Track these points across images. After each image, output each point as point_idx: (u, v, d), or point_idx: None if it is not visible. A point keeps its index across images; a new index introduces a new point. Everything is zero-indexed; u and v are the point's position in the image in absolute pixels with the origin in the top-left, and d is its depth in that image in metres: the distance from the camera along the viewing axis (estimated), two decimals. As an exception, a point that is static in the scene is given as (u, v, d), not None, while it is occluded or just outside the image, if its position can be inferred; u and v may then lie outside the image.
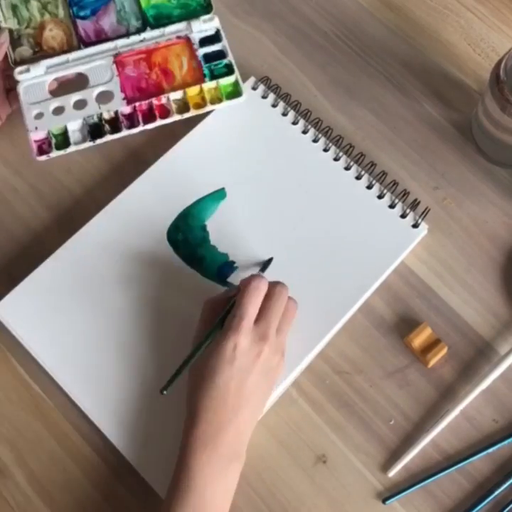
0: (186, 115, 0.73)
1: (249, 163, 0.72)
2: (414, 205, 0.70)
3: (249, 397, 0.58)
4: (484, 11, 0.81)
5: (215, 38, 0.75)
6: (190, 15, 0.76)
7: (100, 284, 0.68)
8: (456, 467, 0.62)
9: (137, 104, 0.72)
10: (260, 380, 0.59)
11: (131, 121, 0.72)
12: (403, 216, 0.69)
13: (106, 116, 0.72)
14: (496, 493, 0.61)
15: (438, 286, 0.68)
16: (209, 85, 0.74)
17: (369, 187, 0.71)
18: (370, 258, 0.68)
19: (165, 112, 0.73)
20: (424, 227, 0.69)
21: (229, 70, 0.74)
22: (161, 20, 0.76)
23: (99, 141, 0.71)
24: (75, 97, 0.73)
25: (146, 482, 0.61)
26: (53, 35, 0.76)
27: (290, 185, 0.71)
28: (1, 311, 0.67)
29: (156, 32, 0.75)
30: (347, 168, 0.71)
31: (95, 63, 0.74)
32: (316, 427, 0.64)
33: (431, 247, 0.70)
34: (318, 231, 0.69)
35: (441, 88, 0.77)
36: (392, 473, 0.62)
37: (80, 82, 0.74)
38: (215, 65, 0.74)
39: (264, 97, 0.75)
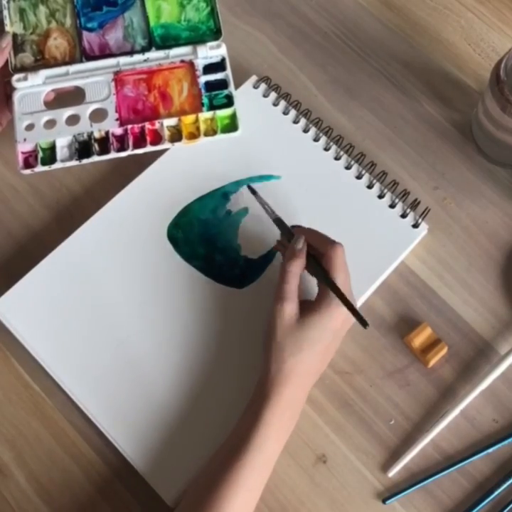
0: (177, 145, 0.71)
1: (249, 161, 0.72)
2: (414, 205, 0.70)
3: (327, 362, 0.62)
4: (484, 11, 0.81)
5: (219, 66, 0.73)
6: (198, 38, 0.74)
7: (99, 282, 0.68)
8: (456, 467, 0.62)
9: (130, 126, 0.71)
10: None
11: (121, 143, 0.71)
12: (403, 216, 0.69)
13: (96, 135, 0.71)
14: (496, 493, 0.61)
15: (438, 286, 0.68)
16: (205, 115, 0.71)
17: (369, 186, 0.71)
18: (370, 258, 0.68)
19: (157, 138, 0.71)
20: (424, 227, 0.69)
21: (228, 102, 0.72)
22: (168, 40, 0.74)
23: (85, 161, 0.70)
24: (69, 111, 0.71)
25: (146, 482, 0.61)
26: (57, 44, 0.74)
27: (290, 184, 0.71)
28: None
29: (161, 53, 0.74)
30: (347, 168, 0.71)
31: (94, 79, 0.72)
32: (316, 427, 0.64)
33: (431, 247, 0.70)
34: (318, 230, 0.69)
35: (441, 88, 0.77)
36: (392, 473, 0.62)
37: (76, 94, 0.72)
38: (215, 94, 0.72)
39: (265, 95, 0.75)
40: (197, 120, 0.71)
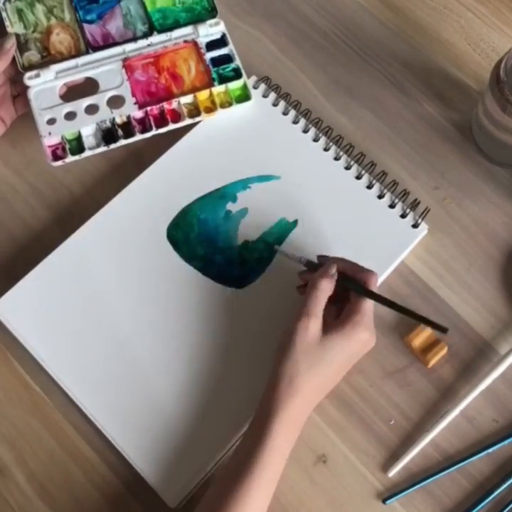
0: (197, 119, 0.73)
1: (249, 161, 0.72)
2: (414, 205, 0.70)
3: (338, 381, 0.61)
4: (484, 11, 0.81)
5: (221, 42, 0.76)
6: (195, 19, 0.76)
7: (100, 282, 0.68)
8: (456, 467, 0.62)
9: (149, 108, 0.73)
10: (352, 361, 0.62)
11: (143, 125, 0.73)
12: (403, 216, 0.69)
13: (118, 120, 0.72)
14: (496, 493, 0.61)
15: (438, 286, 0.68)
16: (218, 89, 0.74)
17: (369, 187, 0.71)
18: (370, 258, 0.67)
19: (176, 116, 0.73)
20: (424, 227, 0.69)
21: (237, 74, 0.74)
22: (167, 24, 0.76)
23: (113, 145, 0.72)
24: (87, 101, 0.73)
25: (147, 482, 0.61)
26: (60, 39, 0.75)
27: (290, 184, 0.71)
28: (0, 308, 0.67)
29: (163, 36, 0.75)
30: (347, 168, 0.71)
31: (105, 68, 0.74)
32: (316, 427, 0.64)
33: (431, 247, 0.70)
34: (318, 230, 0.69)
35: (441, 88, 0.77)
36: (392, 473, 0.62)
37: (88, 86, 0.74)
38: (222, 68, 0.75)
39: (265, 96, 0.75)
40: (211, 95, 0.74)
